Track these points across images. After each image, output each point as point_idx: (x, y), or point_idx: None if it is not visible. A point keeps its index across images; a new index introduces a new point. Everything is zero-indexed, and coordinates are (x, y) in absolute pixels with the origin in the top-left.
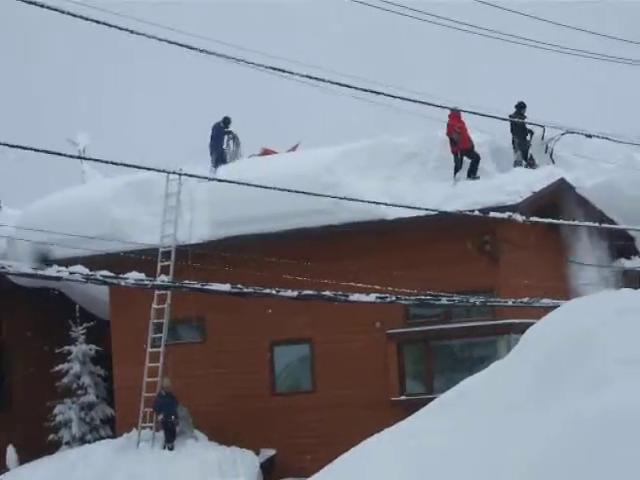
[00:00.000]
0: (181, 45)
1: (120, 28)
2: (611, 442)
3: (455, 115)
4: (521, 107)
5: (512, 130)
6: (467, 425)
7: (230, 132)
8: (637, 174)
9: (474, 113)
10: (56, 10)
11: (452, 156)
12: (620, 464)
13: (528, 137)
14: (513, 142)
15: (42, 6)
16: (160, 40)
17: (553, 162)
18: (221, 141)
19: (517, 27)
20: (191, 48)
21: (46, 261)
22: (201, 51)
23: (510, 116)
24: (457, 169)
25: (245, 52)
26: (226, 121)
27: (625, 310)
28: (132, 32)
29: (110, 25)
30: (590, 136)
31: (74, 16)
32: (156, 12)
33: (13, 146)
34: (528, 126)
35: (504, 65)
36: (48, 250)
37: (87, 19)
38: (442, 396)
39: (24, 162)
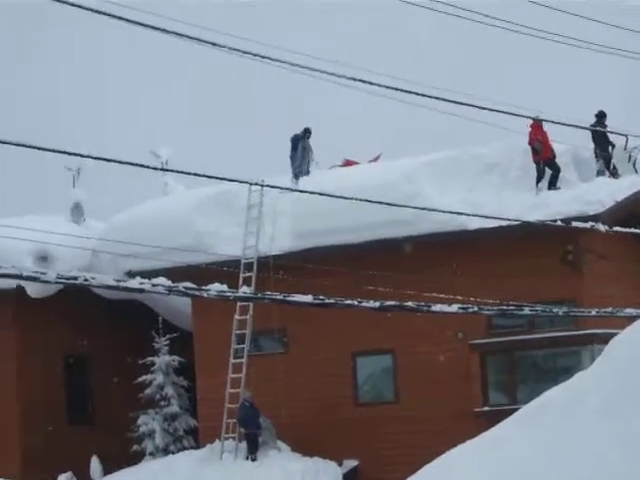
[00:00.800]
0: (260, 56)
1: (201, 40)
2: None
3: (537, 125)
4: (601, 116)
5: (593, 140)
6: (551, 436)
7: (305, 141)
8: None
9: (556, 123)
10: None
11: (534, 166)
12: None
13: (610, 148)
14: (595, 152)
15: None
16: (233, 50)
17: (636, 171)
18: (302, 152)
19: (583, 31)
20: (272, 59)
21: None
22: (283, 62)
23: (591, 125)
24: (539, 179)
25: (325, 63)
26: (306, 132)
27: None
28: (213, 44)
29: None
30: None
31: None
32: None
33: (96, 158)
34: (610, 137)
35: (577, 71)
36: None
37: (144, 25)
38: (526, 407)
39: (108, 175)
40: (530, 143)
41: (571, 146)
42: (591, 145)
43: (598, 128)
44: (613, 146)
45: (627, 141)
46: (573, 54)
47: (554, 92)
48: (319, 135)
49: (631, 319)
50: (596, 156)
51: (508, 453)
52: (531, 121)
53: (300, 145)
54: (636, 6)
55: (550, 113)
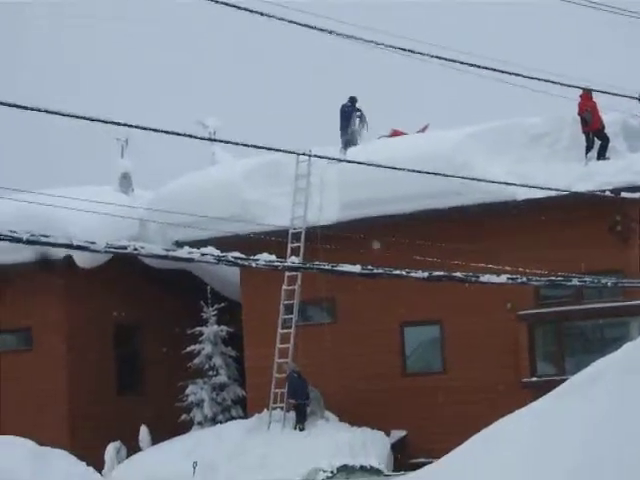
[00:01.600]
0: (310, 27)
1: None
2: None
3: (586, 95)
4: None
5: None
6: (600, 407)
7: (358, 110)
8: None
9: (605, 93)
10: None
11: (583, 136)
12: None
13: None
14: None
15: None
16: (287, 21)
17: None
18: (350, 122)
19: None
20: (321, 30)
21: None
22: (330, 32)
23: None
24: (588, 149)
25: (372, 33)
26: (353, 100)
27: None
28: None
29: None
30: None
31: None
32: None
33: (145, 128)
34: None
35: (623, 39)
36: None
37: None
38: (574, 377)
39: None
40: (579, 113)
41: (621, 116)
42: None
43: None
44: None
45: None
46: (620, 22)
47: (603, 61)
48: (367, 105)
49: None
50: None
51: (556, 423)
52: (580, 91)
53: (353, 114)
54: None
55: (600, 83)
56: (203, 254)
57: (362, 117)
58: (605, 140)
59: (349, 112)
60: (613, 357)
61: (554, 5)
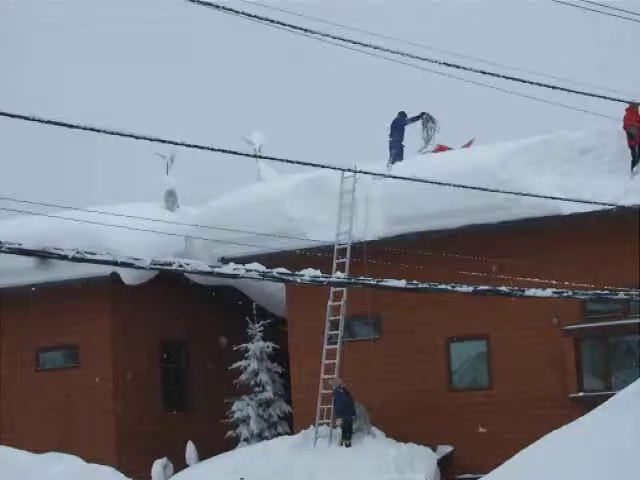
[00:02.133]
0: (352, 42)
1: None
2: None
3: (632, 109)
4: None
5: None
6: None
7: (422, 115)
8: None
9: None
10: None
11: (628, 150)
12: None
13: None
14: None
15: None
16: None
17: None
18: (401, 137)
19: None
20: (365, 45)
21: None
22: (376, 48)
23: None
24: (635, 163)
25: (415, 47)
26: (402, 114)
27: None
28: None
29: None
30: None
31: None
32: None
33: (190, 146)
34: None
35: None
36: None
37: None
38: (621, 392)
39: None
40: (625, 128)
41: None
42: None
43: None
44: None
45: None
46: None
47: None
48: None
49: None
50: None
51: (604, 438)
52: (627, 105)
53: (401, 129)
54: None
55: None
56: (248, 270)
57: (431, 119)
58: None
59: (398, 126)
60: None
61: (599, 19)
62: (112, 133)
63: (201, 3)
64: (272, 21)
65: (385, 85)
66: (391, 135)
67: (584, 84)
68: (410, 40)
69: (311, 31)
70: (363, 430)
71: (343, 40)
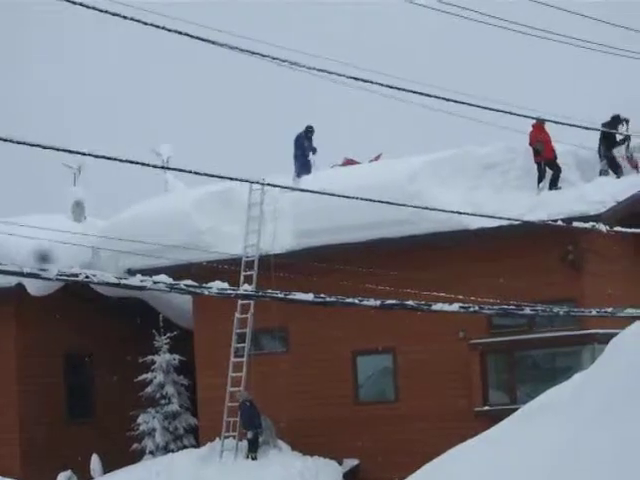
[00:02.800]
0: (260, 55)
1: (200, 38)
2: None
3: (539, 125)
4: (616, 119)
5: (601, 139)
6: (551, 436)
7: (308, 128)
8: None
9: (558, 123)
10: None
11: (534, 166)
12: None
13: (623, 148)
14: (599, 151)
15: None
16: (231, 48)
17: (638, 171)
18: (305, 151)
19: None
20: (274, 58)
21: (128, 272)
22: (283, 61)
23: (603, 125)
24: (540, 179)
25: (322, 61)
26: (308, 130)
27: None
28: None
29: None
30: None
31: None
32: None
33: (97, 156)
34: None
35: (584, 71)
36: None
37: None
38: (525, 407)
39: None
40: (531, 144)
41: (573, 146)
42: (594, 145)
43: (605, 129)
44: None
45: (629, 141)
46: (571, 52)
47: (556, 92)
48: (320, 134)
49: (632, 319)
50: (600, 156)
51: (507, 452)
52: (533, 121)
53: (305, 144)
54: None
55: (553, 113)
56: (155, 282)
57: (313, 147)
58: (557, 170)
59: (303, 141)
60: (563, 387)
61: (506, 34)
62: (19, 143)
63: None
64: (180, 32)
65: (295, 97)
66: (295, 149)
67: (493, 99)
68: (318, 52)
69: (215, 42)
70: (269, 443)
71: (241, 50)
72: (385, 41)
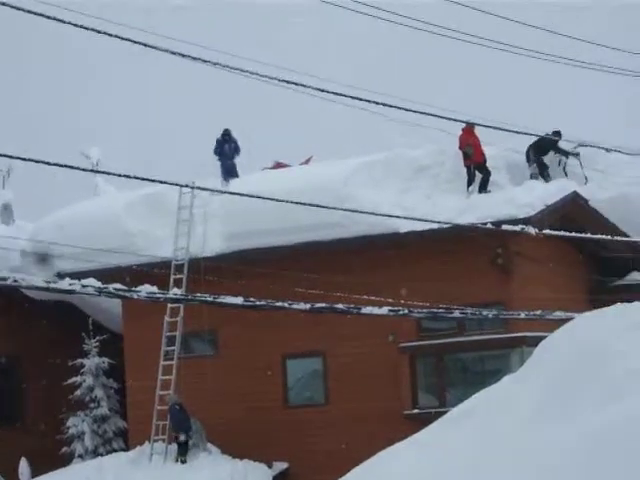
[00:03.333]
0: (191, 57)
1: (123, 38)
2: (622, 456)
3: (468, 129)
4: (557, 134)
5: (533, 145)
6: (478, 439)
7: (233, 142)
8: None
9: (488, 127)
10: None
11: (464, 169)
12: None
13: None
14: (527, 155)
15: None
16: (164, 51)
17: (566, 175)
18: (226, 154)
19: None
20: (195, 59)
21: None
22: (204, 61)
23: (541, 137)
24: (470, 182)
25: (250, 63)
26: (225, 134)
27: (638, 324)
28: (133, 42)
29: (108, 34)
30: (609, 150)
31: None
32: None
33: (26, 159)
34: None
35: (512, 76)
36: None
37: (79, 26)
38: (454, 410)
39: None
40: (461, 147)
41: (503, 150)
42: (523, 149)
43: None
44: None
45: (558, 145)
46: (509, 59)
47: (490, 96)
48: (251, 138)
49: (560, 322)
50: (528, 160)
51: (435, 456)
52: (463, 125)
53: (225, 148)
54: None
55: (484, 118)
56: (84, 286)
57: (237, 148)
58: (487, 174)
59: (223, 145)
60: (492, 389)
61: (436, 39)
62: None
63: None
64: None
65: (224, 99)
66: (216, 153)
67: (421, 103)
68: (244, 54)
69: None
70: (199, 446)
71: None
72: (305, 43)
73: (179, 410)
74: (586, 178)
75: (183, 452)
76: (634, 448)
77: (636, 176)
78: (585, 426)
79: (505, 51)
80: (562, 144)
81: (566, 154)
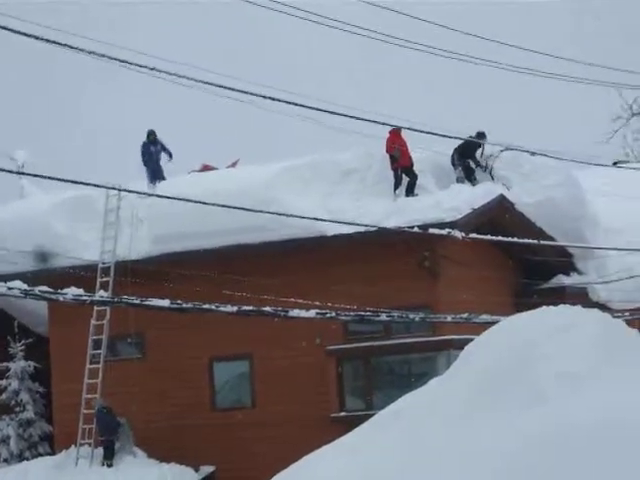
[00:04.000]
0: (119, 60)
1: (71, 47)
2: (546, 458)
3: (395, 132)
4: (481, 136)
5: (458, 149)
6: (404, 442)
7: (159, 143)
8: (576, 192)
9: (415, 130)
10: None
11: (391, 173)
12: None
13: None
14: (452, 159)
15: None
16: (100, 56)
17: (492, 179)
18: (152, 157)
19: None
20: (122, 61)
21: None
22: (128, 63)
23: (467, 139)
24: (397, 186)
25: (176, 66)
26: (150, 135)
27: (563, 326)
28: (75, 49)
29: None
30: (534, 153)
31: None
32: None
33: None
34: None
35: (439, 79)
36: None
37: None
38: (381, 412)
39: None
40: (388, 151)
41: (430, 154)
42: (449, 152)
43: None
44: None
45: (483, 148)
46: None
47: (413, 99)
48: (178, 140)
49: (487, 325)
50: (453, 164)
51: (361, 459)
52: (390, 129)
53: (151, 150)
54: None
55: (410, 121)
56: (9, 288)
57: (166, 150)
58: (413, 177)
59: (148, 148)
60: (419, 392)
61: (366, 41)
62: None
63: None
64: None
65: (150, 101)
66: (142, 156)
67: (349, 107)
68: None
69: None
70: (126, 449)
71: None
72: (244, 46)
73: (106, 414)
74: (505, 184)
75: (109, 456)
76: (558, 450)
77: (562, 180)
78: (510, 427)
79: (432, 54)
80: (487, 147)
81: (479, 165)
